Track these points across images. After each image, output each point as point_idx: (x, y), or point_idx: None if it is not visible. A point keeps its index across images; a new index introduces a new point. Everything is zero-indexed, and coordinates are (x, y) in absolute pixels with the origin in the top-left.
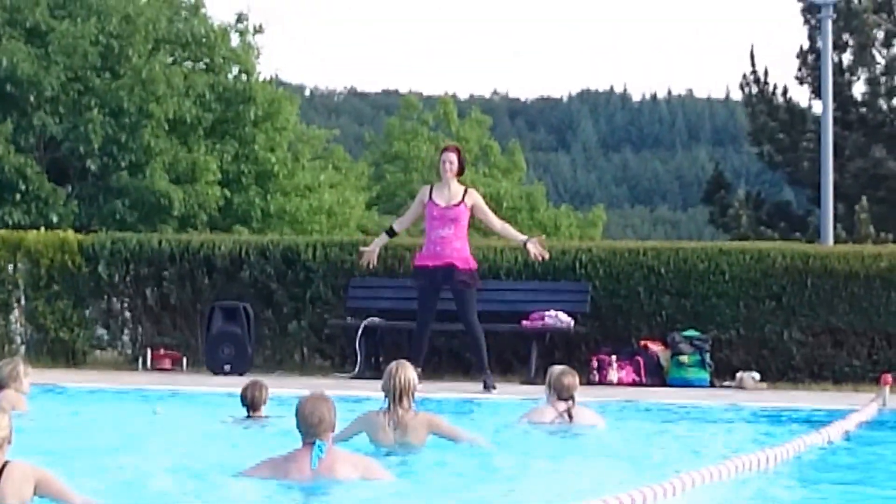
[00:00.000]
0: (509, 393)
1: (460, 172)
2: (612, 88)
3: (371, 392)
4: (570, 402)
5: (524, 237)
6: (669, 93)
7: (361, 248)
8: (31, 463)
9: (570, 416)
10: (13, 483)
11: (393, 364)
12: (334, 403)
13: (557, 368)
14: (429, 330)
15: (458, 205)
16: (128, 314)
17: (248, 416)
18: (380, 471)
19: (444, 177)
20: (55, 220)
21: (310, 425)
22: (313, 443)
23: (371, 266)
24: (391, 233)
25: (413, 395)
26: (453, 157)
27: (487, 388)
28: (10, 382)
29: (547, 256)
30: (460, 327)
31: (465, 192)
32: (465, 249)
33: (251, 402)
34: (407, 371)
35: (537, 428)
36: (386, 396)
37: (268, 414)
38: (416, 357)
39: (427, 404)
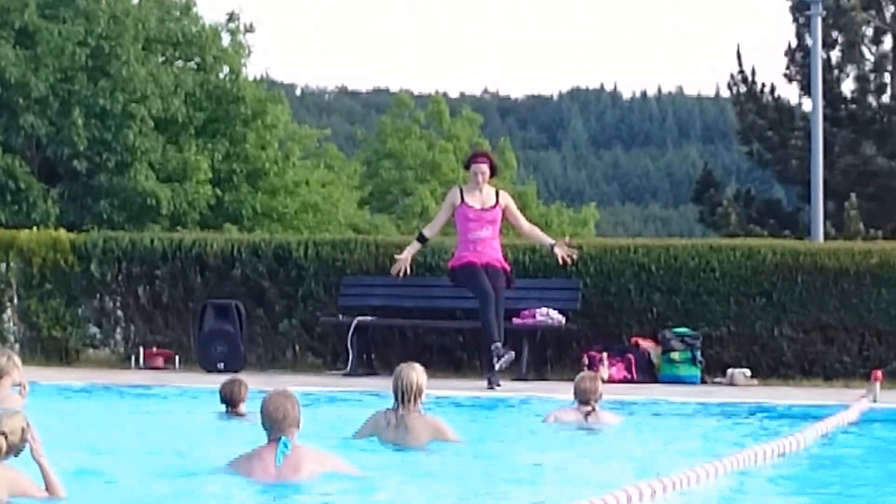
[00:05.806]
0: (502, 391)
1: (491, 176)
2: (602, 86)
3: (363, 388)
4: (591, 405)
5: (551, 241)
6: (660, 90)
7: (395, 256)
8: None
9: (588, 417)
10: None
11: (401, 365)
12: (298, 399)
13: (579, 375)
14: (492, 307)
15: (493, 207)
16: (120, 313)
17: (228, 413)
18: (346, 466)
19: (476, 185)
20: (45, 219)
21: (274, 421)
22: (279, 439)
23: (405, 274)
24: (422, 239)
25: (418, 396)
26: (485, 168)
27: (491, 385)
28: (4, 374)
29: (575, 257)
30: (452, 325)
31: (498, 194)
32: (500, 251)
33: (230, 399)
34: (412, 373)
35: (558, 426)
36: (394, 397)
37: (247, 411)
38: (496, 337)
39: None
